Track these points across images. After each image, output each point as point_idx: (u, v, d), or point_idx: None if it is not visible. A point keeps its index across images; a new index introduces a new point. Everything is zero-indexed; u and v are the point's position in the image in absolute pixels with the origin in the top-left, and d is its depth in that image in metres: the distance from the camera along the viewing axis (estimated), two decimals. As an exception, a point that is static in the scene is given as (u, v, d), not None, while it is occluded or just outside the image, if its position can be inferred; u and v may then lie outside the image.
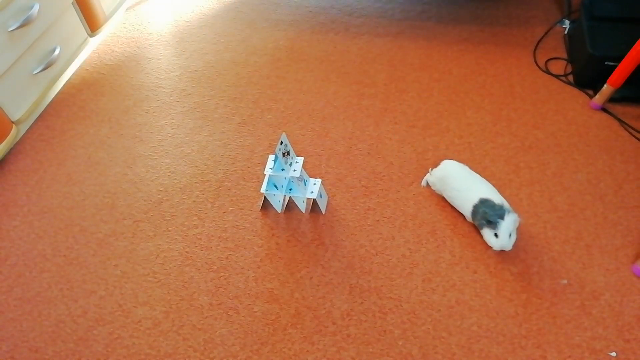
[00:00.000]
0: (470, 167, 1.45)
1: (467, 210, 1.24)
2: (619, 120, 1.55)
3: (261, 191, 1.32)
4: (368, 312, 1.17)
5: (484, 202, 1.19)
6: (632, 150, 1.46)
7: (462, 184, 1.26)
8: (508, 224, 1.14)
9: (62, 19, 1.71)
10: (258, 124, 1.63)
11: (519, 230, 1.27)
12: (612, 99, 1.56)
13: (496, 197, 1.20)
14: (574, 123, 1.55)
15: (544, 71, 1.73)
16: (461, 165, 1.32)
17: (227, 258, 1.28)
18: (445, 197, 1.33)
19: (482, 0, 2.05)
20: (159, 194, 1.44)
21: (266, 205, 1.39)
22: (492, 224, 1.15)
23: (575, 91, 1.66)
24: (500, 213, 1.15)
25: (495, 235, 1.16)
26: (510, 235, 1.16)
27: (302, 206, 1.37)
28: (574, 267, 1.22)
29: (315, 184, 1.32)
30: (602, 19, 1.65)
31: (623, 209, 1.33)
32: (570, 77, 1.70)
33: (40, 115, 1.71)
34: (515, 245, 1.19)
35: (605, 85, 1.52)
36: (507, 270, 1.22)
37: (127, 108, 1.71)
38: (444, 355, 1.09)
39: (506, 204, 1.18)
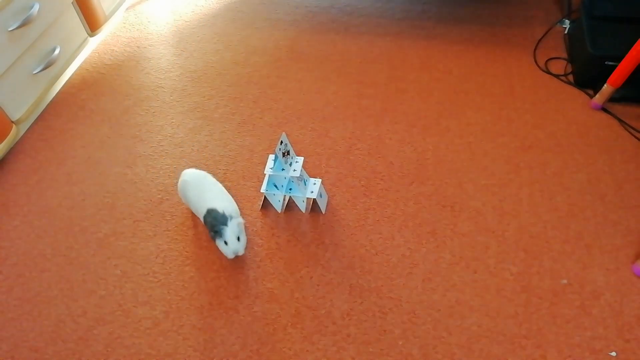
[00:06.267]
0: (469, 168, 1.45)
1: (202, 222, 1.24)
2: (619, 120, 1.55)
3: (261, 191, 1.32)
4: (368, 312, 1.17)
5: (210, 213, 1.18)
6: (632, 150, 1.46)
7: (194, 195, 1.25)
8: (233, 229, 1.15)
9: (62, 19, 1.70)
10: (258, 124, 1.63)
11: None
12: (612, 99, 1.56)
13: (221, 205, 1.19)
14: (574, 123, 1.55)
15: (544, 71, 1.73)
16: (198, 173, 1.29)
17: (226, 258, 1.28)
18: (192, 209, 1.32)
19: (482, 0, 2.05)
20: (159, 194, 1.44)
21: (266, 205, 1.39)
22: (218, 233, 1.15)
23: (575, 91, 1.66)
24: (223, 220, 1.15)
25: (225, 242, 1.16)
26: (238, 238, 1.16)
27: (302, 206, 1.37)
28: (574, 266, 1.22)
29: (315, 183, 1.32)
30: (602, 18, 1.65)
31: (623, 209, 1.33)
32: (571, 77, 1.70)
33: (40, 115, 1.71)
34: (516, 244, 1.19)
35: (605, 85, 1.52)
36: (507, 270, 1.22)
37: (127, 108, 1.71)
38: (444, 355, 1.09)
39: (230, 210, 1.19)
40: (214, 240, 1.19)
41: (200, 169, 1.32)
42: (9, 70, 1.50)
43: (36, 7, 1.53)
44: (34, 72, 1.61)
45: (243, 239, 1.18)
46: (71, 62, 1.79)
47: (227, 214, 1.17)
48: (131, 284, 1.25)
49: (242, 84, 1.77)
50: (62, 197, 1.45)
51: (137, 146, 1.58)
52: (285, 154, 1.23)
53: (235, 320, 1.17)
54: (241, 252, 1.18)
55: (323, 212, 1.37)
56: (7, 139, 1.52)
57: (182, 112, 1.69)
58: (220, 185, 1.29)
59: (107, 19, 1.93)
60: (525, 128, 1.55)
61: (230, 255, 1.17)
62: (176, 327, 1.16)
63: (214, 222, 1.16)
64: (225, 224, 1.15)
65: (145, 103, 1.73)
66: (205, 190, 1.24)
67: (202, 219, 1.22)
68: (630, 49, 1.41)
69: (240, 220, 1.18)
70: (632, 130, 1.52)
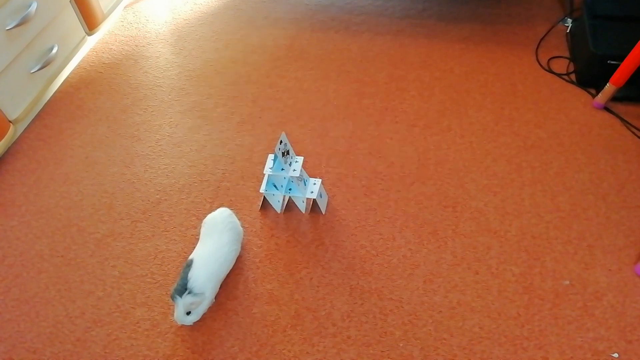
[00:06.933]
0: (470, 167, 1.44)
1: None
2: (622, 119, 1.54)
3: (261, 191, 1.31)
4: (369, 314, 1.16)
5: (187, 265, 1.11)
6: (634, 150, 1.45)
7: (202, 236, 1.18)
8: (184, 304, 1.06)
9: (59, 18, 1.69)
10: (257, 123, 1.62)
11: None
12: (615, 98, 1.55)
13: (201, 271, 1.09)
14: (577, 122, 1.54)
15: (546, 70, 1.72)
16: (224, 216, 1.21)
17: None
18: None
19: (483, -2, 2.04)
20: (157, 194, 1.43)
21: (266, 205, 1.38)
22: (172, 298, 1.08)
23: (577, 90, 1.64)
24: (181, 289, 1.07)
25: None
26: (189, 313, 1.08)
27: (302, 206, 1.36)
28: (576, 267, 1.21)
29: (315, 183, 1.31)
30: (605, 17, 1.64)
31: (626, 209, 1.32)
32: (573, 76, 1.69)
33: (38, 115, 1.70)
34: (518, 244, 1.18)
35: (607, 84, 1.51)
36: (509, 271, 1.21)
37: (125, 107, 1.70)
38: (445, 357, 1.08)
39: (200, 283, 1.09)
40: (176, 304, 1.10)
41: (238, 218, 1.25)
42: (6, 69, 1.49)
43: (34, 5, 1.52)
44: (32, 71, 1.60)
45: (193, 317, 1.10)
46: (69, 61, 1.78)
47: (191, 284, 1.07)
48: (129, 285, 1.24)
49: (241, 83, 1.76)
50: (60, 197, 1.44)
51: (135, 146, 1.57)
52: (285, 153, 1.22)
53: (234, 322, 1.16)
54: (186, 324, 1.11)
55: (323, 212, 1.36)
56: (4, 139, 1.51)
57: (180, 111, 1.67)
58: (233, 248, 1.19)
59: (105, 17, 1.92)
60: (527, 127, 1.54)
61: (173, 318, 1.10)
62: (174, 329, 1.15)
63: (178, 281, 1.09)
64: (181, 295, 1.06)
65: (144, 102, 1.72)
66: (206, 241, 1.17)
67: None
68: (633, 47, 1.40)
69: (202, 301, 1.09)
70: (634, 130, 1.50)
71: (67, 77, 1.83)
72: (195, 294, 1.08)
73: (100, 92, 1.76)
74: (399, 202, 1.37)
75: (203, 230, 1.22)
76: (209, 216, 1.23)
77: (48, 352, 1.13)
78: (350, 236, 1.30)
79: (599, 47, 1.55)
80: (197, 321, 1.14)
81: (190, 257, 1.14)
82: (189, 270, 1.10)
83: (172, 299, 1.08)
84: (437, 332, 1.12)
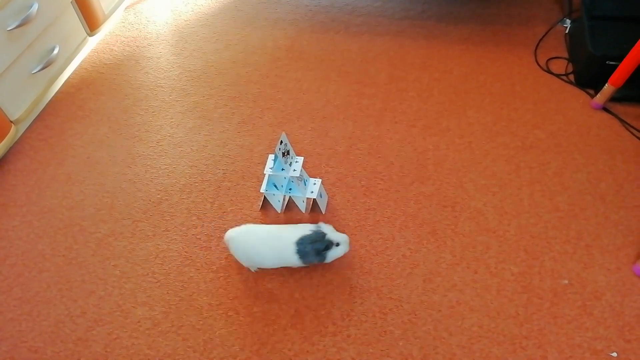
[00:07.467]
0: (469, 167, 1.44)
1: (294, 261, 1.16)
2: (620, 120, 1.54)
3: (261, 191, 1.32)
4: (368, 313, 1.16)
5: (302, 242, 1.13)
6: (633, 150, 1.46)
7: (263, 247, 1.18)
8: (330, 229, 1.15)
9: (61, 18, 1.70)
10: (258, 124, 1.62)
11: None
12: (613, 99, 1.56)
13: (301, 231, 1.15)
14: (575, 123, 1.55)
15: (544, 70, 1.73)
16: (248, 228, 1.22)
17: (226, 258, 1.28)
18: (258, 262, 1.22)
19: (482, -1, 2.05)
20: (158, 194, 1.44)
21: (266, 205, 1.39)
22: (329, 245, 1.13)
23: (576, 91, 1.65)
24: (320, 235, 1.13)
25: (337, 244, 1.15)
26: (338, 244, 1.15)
27: (302, 206, 1.36)
28: (574, 267, 1.22)
29: (315, 183, 1.31)
30: (603, 18, 1.64)
31: (624, 209, 1.32)
32: (571, 77, 1.69)
33: (39, 115, 1.70)
34: (517, 244, 1.19)
35: (606, 85, 1.51)
36: (507, 270, 1.22)
37: (126, 107, 1.71)
38: (444, 356, 1.09)
39: (307, 227, 1.16)
40: (326, 259, 1.15)
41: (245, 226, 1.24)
42: (8, 69, 1.50)
43: (35, 6, 1.53)
44: (33, 72, 1.60)
45: (339, 234, 1.16)
46: (70, 62, 1.79)
47: (315, 229, 1.14)
48: (130, 285, 1.24)
49: (241, 84, 1.77)
50: (61, 197, 1.45)
51: (136, 146, 1.58)
52: (285, 153, 1.22)
53: (234, 321, 1.17)
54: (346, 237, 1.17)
55: (323, 212, 1.36)
56: (6, 139, 1.52)
57: (181, 111, 1.68)
58: (272, 226, 1.23)
59: (106, 18, 1.92)
60: (526, 128, 1.54)
61: (348, 244, 1.16)
62: (175, 328, 1.16)
63: (317, 244, 1.12)
64: (325, 235, 1.13)
65: (145, 102, 1.72)
66: (278, 233, 1.18)
67: (293, 259, 1.15)
68: (631, 48, 1.41)
69: (322, 224, 1.16)
70: (633, 130, 1.51)
71: (69, 77, 1.83)
72: (311, 225, 1.16)
73: (101, 92, 1.77)
74: (399, 202, 1.37)
75: (261, 247, 1.19)
76: (235, 241, 1.20)
77: (49, 351, 1.14)
78: (350, 236, 1.30)
79: (597, 47, 1.55)
80: (199, 320, 1.16)
81: (292, 243, 1.14)
82: (305, 237, 1.13)
83: (330, 247, 1.13)
84: (436, 331, 1.12)
